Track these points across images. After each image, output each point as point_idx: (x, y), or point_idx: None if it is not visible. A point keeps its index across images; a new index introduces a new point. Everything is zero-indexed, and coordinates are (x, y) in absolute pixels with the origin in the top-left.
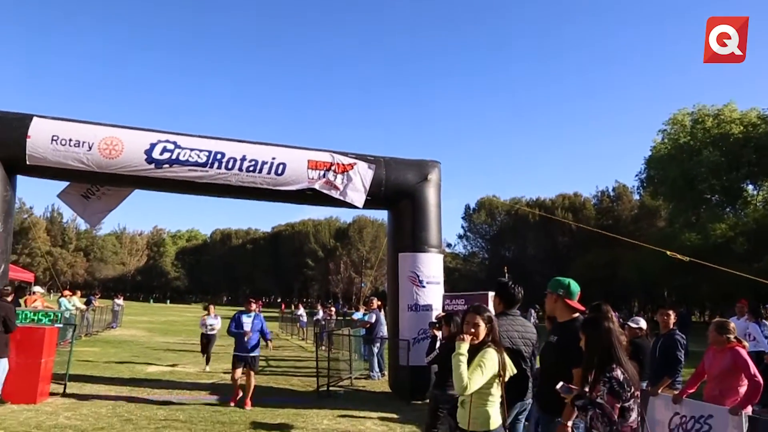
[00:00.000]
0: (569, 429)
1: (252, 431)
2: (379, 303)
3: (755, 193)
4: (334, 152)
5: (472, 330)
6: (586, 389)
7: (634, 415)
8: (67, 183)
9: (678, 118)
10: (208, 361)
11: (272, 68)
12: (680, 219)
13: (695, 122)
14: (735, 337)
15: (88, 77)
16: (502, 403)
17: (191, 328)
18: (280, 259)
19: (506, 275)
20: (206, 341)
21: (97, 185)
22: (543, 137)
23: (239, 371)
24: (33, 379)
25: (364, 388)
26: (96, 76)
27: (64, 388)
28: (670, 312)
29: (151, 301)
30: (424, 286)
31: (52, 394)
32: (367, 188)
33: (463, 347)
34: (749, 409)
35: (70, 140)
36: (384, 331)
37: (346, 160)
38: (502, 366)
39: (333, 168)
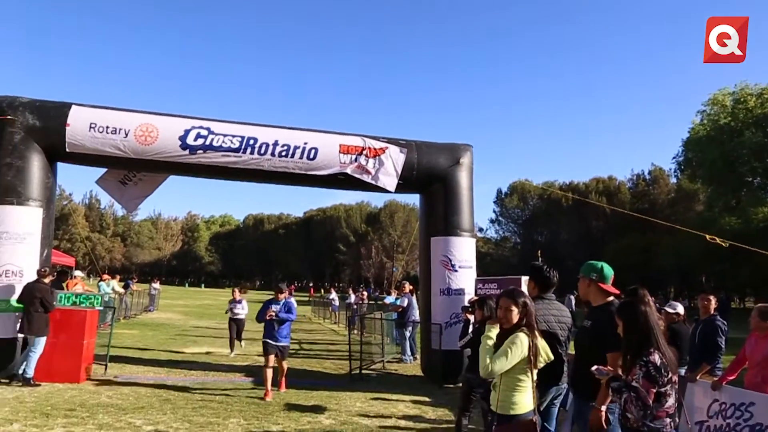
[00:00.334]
0: (603, 413)
1: (286, 412)
2: (411, 287)
3: None
4: (366, 136)
5: (504, 314)
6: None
7: (670, 401)
8: (105, 169)
9: (718, 99)
10: (232, 347)
11: (304, 54)
12: (719, 202)
13: (737, 102)
14: None
15: (123, 64)
16: (536, 387)
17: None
18: (312, 243)
19: (539, 259)
20: (235, 326)
21: (133, 171)
22: (577, 120)
23: (272, 357)
24: (76, 360)
25: (396, 372)
26: (130, 63)
27: (105, 368)
28: (711, 297)
29: (186, 285)
30: (456, 271)
31: (93, 374)
32: (399, 172)
33: (492, 330)
34: None
35: (107, 127)
36: (416, 315)
37: (378, 144)
38: (534, 351)
39: (365, 152)
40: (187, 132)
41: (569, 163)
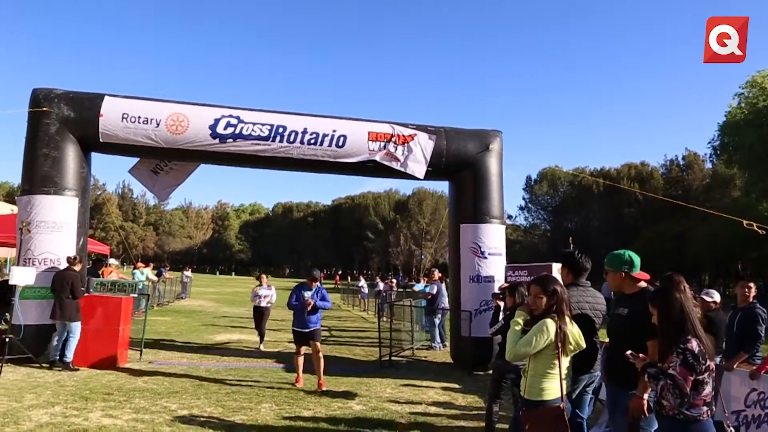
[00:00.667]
0: (646, 401)
1: (317, 398)
2: (441, 275)
3: None
4: (395, 123)
5: (534, 300)
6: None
7: (708, 389)
8: (137, 159)
9: (757, 81)
10: (262, 339)
11: (333, 41)
12: (757, 188)
13: None
14: None
15: (152, 53)
16: (566, 375)
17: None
18: (340, 231)
19: (571, 246)
20: (259, 315)
21: (165, 160)
22: (608, 105)
23: (303, 349)
24: (112, 345)
25: (425, 359)
26: (158, 52)
27: (140, 354)
28: (751, 284)
29: (217, 273)
30: (486, 258)
31: (129, 360)
32: (428, 159)
33: (521, 316)
34: None
35: (139, 117)
36: (445, 302)
37: (407, 131)
38: (562, 337)
39: (393, 139)
40: (217, 121)
41: (600, 149)
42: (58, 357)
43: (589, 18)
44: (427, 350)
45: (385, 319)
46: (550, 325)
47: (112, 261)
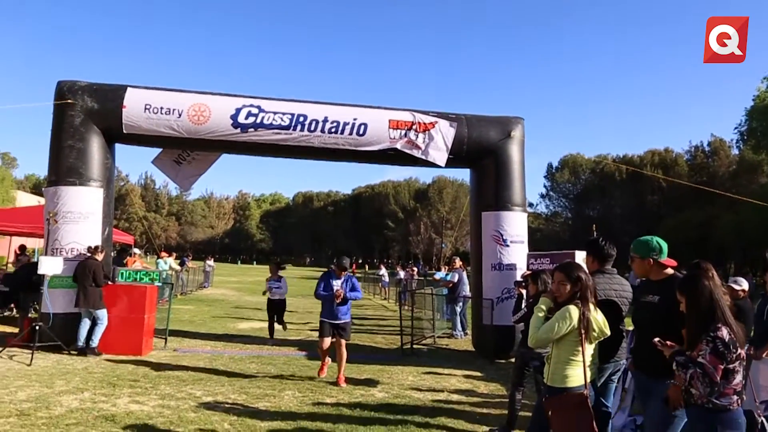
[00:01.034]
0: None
1: (339, 386)
2: (462, 263)
3: None
4: (416, 111)
5: (558, 287)
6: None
7: (738, 378)
8: (160, 150)
9: None
10: (271, 334)
11: (354, 30)
12: None
13: None
14: None
15: (172, 45)
16: (591, 363)
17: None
18: (360, 220)
19: (594, 233)
20: (272, 307)
21: (187, 150)
22: (631, 90)
23: (327, 341)
24: (138, 333)
25: (447, 347)
26: (178, 43)
27: (165, 342)
28: None
29: (239, 262)
30: (507, 246)
31: (154, 347)
32: (449, 147)
33: (545, 302)
34: None
35: (162, 108)
36: (467, 290)
37: (428, 119)
38: (585, 324)
39: (414, 127)
40: (238, 111)
41: (623, 136)
42: (84, 343)
43: (613, 4)
44: (448, 338)
45: (406, 307)
46: (573, 311)
47: (135, 250)
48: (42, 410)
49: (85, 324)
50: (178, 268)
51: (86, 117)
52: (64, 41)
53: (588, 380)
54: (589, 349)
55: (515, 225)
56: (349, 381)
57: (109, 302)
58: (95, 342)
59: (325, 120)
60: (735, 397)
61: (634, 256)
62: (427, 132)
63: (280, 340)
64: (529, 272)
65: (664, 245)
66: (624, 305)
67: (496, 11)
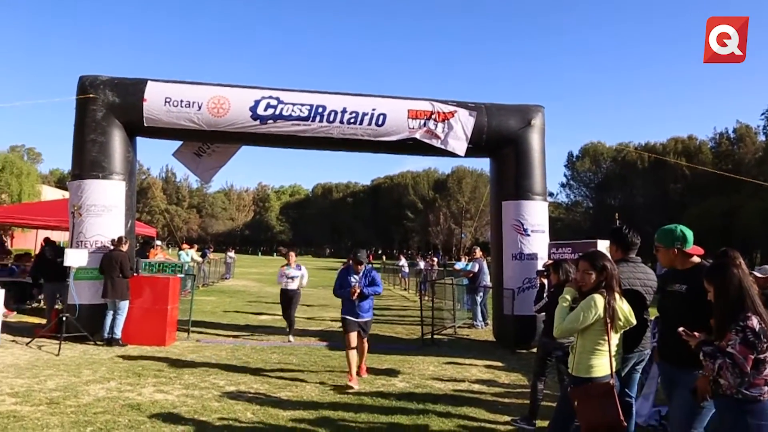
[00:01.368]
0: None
1: (361, 376)
2: (482, 252)
3: None
4: (435, 101)
5: (582, 277)
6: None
7: None
8: (181, 142)
9: None
10: (291, 327)
11: (371, 19)
12: None
13: None
14: None
15: (188, 36)
16: (617, 352)
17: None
18: (380, 211)
19: (617, 222)
20: (287, 300)
21: (207, 143)
22: (653, 77)
23: (354, 335)
24: (161, 324)
25: (467, 337)
26: (197, 36)
27: (188, 332)
28: None
29: (259, 253)
30: (528, 235)
31: (177, 338)
32: (469, 136)
33: (570, 292)
34: None
35: (182, 101)
36: (487, 280)
37: (447, 108)
38: (611, 313)
39: (433, 117)
40: (257, 102)
41: (645, 124)
42: (109, 334)
43: None
44: (468, 329)
45: (426, 297)
46: (599, 300)
47: (157, 243)
48: (70, 399)
49: (111, 315)
50: (199, 259)
51: (108, 111)
52: (84, 35)
53: (614, 370)
54: (615, 338)
55: (536, 214)
56: (371, 371)
57: (133, 293)
58: (118, 333)
59: (344, 111)
60: (765, 388)
61: (659, 246)
62: (446, 121)
63: (300, 331)
64: (550, 261)
65: (689, 234)
66: (648, 294)
67: (516, 1)
